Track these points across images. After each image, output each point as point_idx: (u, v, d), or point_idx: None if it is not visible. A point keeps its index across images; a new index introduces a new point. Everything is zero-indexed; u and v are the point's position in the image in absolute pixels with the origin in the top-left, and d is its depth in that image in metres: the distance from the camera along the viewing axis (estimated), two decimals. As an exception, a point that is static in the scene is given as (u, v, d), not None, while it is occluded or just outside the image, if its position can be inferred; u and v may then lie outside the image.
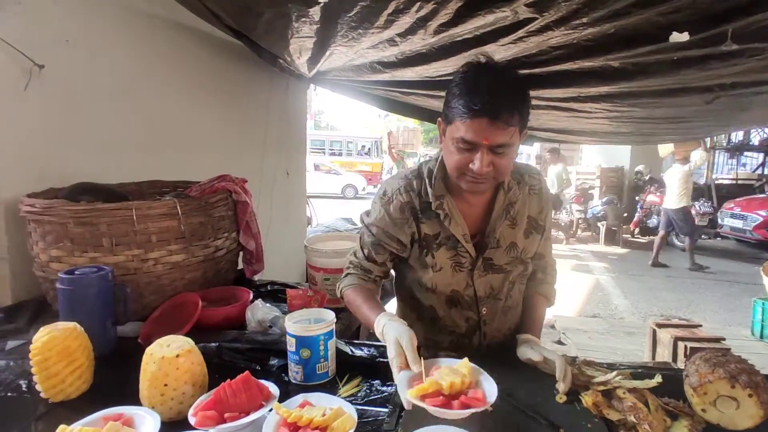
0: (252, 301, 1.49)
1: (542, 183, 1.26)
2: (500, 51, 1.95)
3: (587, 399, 0.93)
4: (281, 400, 1.00)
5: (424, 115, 3.76)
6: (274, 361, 1.21)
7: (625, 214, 9.09)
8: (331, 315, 1.15)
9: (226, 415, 0.84)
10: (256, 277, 1.94)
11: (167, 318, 1.42)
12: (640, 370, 1.12)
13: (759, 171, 12.33)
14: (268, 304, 1.49)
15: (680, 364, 2.81)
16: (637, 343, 3.81)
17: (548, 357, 1.05)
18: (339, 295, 1.31)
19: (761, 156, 12.38)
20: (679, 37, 1.57)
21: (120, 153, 1.94)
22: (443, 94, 2.82)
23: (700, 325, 3.18)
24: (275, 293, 1.80)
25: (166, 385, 0.93)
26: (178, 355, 0.95)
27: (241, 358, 1.24)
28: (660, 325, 3.13)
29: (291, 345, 1.10)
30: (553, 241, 1.46)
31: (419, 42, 1.96)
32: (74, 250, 1.35)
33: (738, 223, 8.62)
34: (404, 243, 1.21)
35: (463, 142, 1.01)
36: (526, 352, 1.10)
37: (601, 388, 0.96)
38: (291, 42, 2.07)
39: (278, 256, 2.88)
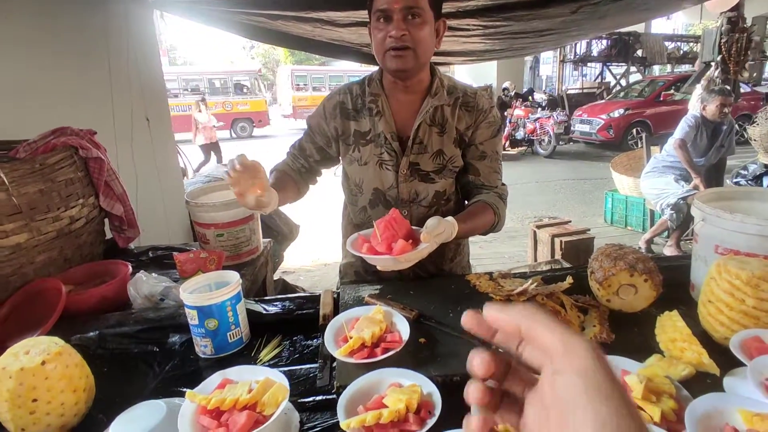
0: (133, 275, 1.26)
1: (479, 102, 1.25)
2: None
3: (511, 311, 0.95)
4: (192, 381, 0.87)
5: (295, 43, 3.43)
6: (174, 338, 1.06)
7: (496, 129, 9.80)
8: (234, 276, 1.01)
9: None
10: (132, 245, 1.67)
11: (22, 314, 1.14)
12: (548, 274, 1.19)
13: (598, 80, 14.05)
14: (153, 275, 1.28)
15: (557, 257, 3.20)
16: (519, 245, 4.25)
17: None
18: None
19: (600, 66, 14.05)
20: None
21: None
22: (314, 15, 2.55)
23: (570, 221, 3.63)
24: (160, 260, 1.57)
25: (35, 401, 0.74)
26: (44, 362, 0.75)
27: (131, 342, 1.06)
28: (538, 227, 3.49)
29: (192, 318, 0.95)
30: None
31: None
32: None
33: (586, 128, 9.86)
34: (328, 136, 1.30)
35: (380, 13, 1.09)
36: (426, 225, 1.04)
37: (522, 298, 0.99)
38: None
39: (154, 217, 2.54)
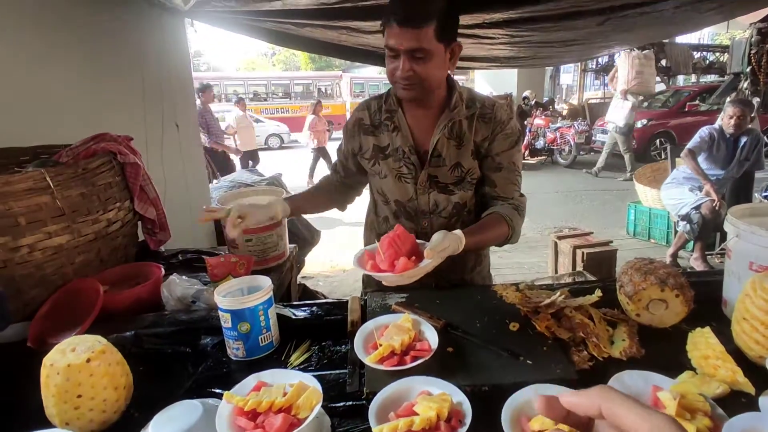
0: (166, 277, 1.30)
1: (497, 113, 1.24)
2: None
3: (540, 324, 0.96)
4: (225, 382, 0.90)
5: (321, 48, 3.48)
6: (206, 340, 1.08)
7: (516, 138, 9.73)
8: (266, 281, 1.04)
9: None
10: (162, 248, 1.72)
11: (61, 312, 1.19)
12: (575, 286, 1.19)
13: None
14: (185, 278, 1.31)
15: (579, 269, 3.17)
16: (539, 256, 4.21)
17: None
18: None
19: (622, 75, 13.83)
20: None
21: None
22: (342, 24, 2.59)
23: (592, 233, 3.58)
24: (189, 263, 1.61)
25: (79, 396, 0.77)
26: (89, 359, 0.78)
27: (165, 342, 1.09)
28: (560, 237, 3.46)
29: (226, 321, 0.98)
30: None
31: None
32: None
33: (607, 138, 9.71)
34: (350, 152, 1.36)
35: (389, 49, 1.11)
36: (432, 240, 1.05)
37: (551, 310, 0.99)
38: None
39: (181, 221, 2.59)
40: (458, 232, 1.08)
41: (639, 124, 9.32)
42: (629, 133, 7.64)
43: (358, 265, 1.06)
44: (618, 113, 7.54)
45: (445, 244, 1.01)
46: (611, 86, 8.05)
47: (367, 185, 1.46)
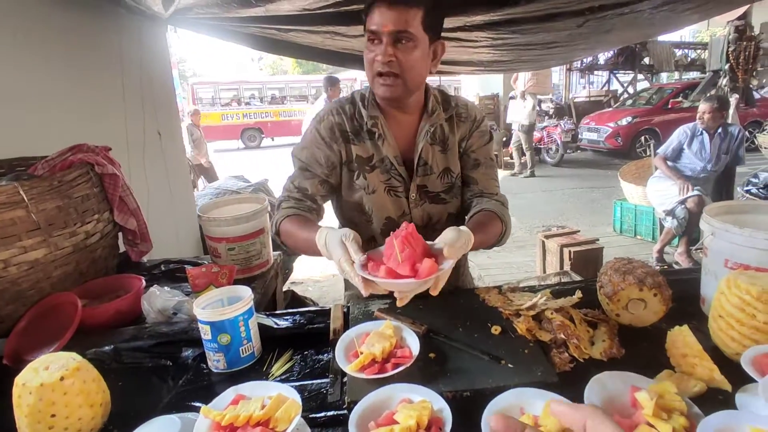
0: (146, 289, 1.28)
1: (471, 113, 1.25)
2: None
3: (521, 326, 0.96)
4: (205, 395, 0.89)
5: (306, 53, 3.47)
6: (187, 353, 1.07)
7: (504, 138, 9.79)
8: (246, 291, 1.03)
9: None
10: (145, 259, 1.69)
11: (38, 327, 1.17)
12: (557, 288, 1.20)
13: (606, 87, 14.02)
14: (166, 289, 1.30)
15: (566, 267, 3.19)
16: (527, 255, 4.23)
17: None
18: (275, 231, 1.19)
19: (606, 74, 14.03)
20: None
21: None
22: (326, 28, 2.58)
23: (578, 231, 3.62)
24: (172, 273, 1.59)
25: (53, 416, 0.75)
26: (62, 378, 0.76)
27: (145, 356, 1.07)
28: (547, 236, 3.48)
29: (206, 333, 0.97)
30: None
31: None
32: None
33: (593, 136, 9.83)
34: (333, 162, 1.20)
35: (370, 34, 1.05)
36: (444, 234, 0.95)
37: (532, 312, 0.99)
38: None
39: (165, 230, 2.57)
40: (465, 228, 0.98)
41: (624, 122, 9.45)
42: (531, 131, 8.23)
43: (367, 275, 0.88)
44: (521, 113, 8.08)
45: (461, 241, 0.92)
46: (513, 86, 8.63)
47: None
